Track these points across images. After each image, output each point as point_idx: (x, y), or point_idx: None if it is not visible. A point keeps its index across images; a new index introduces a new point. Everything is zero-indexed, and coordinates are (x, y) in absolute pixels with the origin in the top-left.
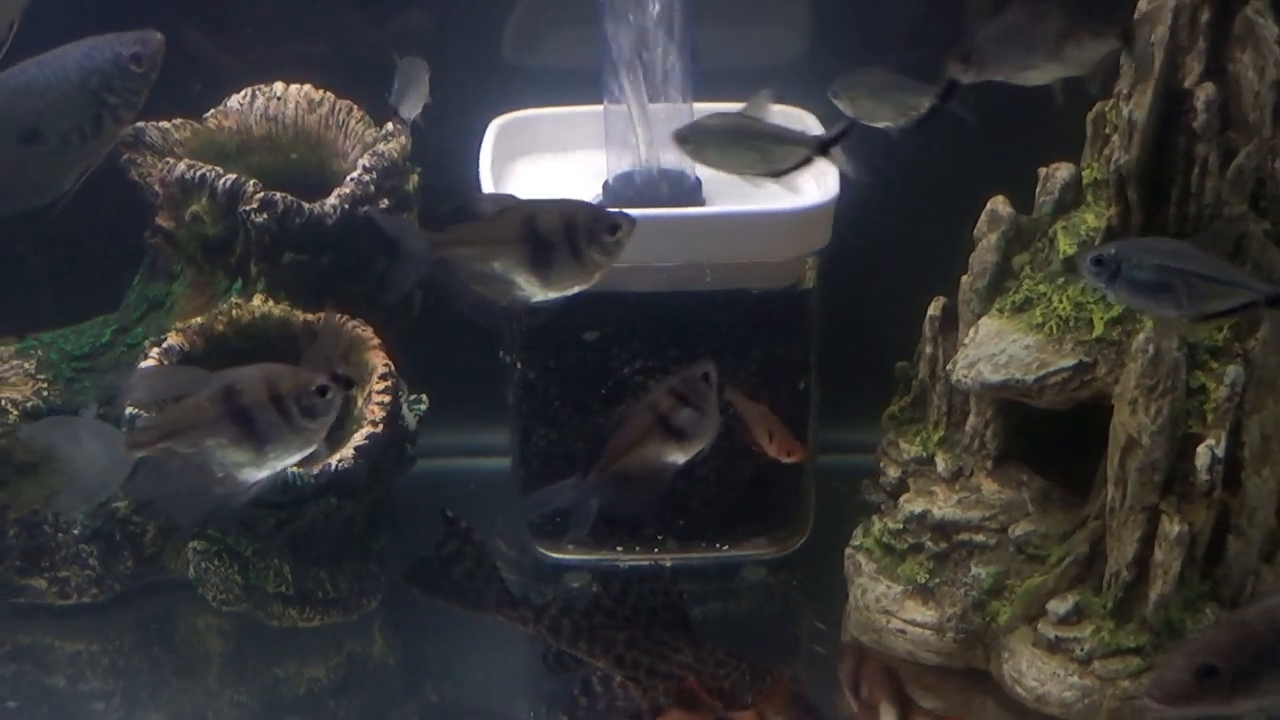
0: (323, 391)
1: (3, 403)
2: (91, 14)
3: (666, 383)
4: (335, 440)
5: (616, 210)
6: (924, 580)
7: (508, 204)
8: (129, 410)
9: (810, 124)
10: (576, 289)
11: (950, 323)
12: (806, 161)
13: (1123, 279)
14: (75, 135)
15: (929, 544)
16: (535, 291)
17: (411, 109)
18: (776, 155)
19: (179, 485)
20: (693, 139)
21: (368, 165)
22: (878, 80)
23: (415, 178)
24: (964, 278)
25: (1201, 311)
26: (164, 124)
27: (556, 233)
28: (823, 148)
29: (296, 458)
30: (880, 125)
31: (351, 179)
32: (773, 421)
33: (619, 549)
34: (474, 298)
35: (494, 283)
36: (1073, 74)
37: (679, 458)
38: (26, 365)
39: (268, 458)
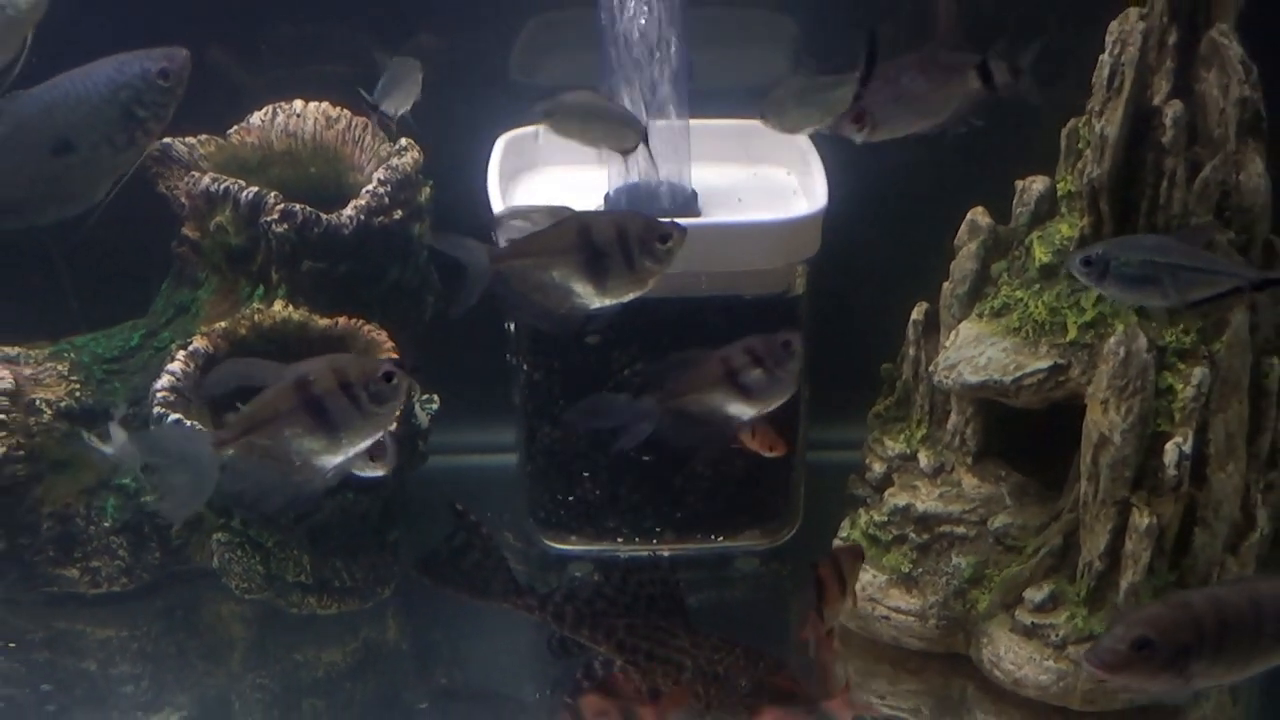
0: (389, 377)
1: (37, 402)
2: (125, 35)
3: (747, 340)
4: None
5: (668, 220)
6: (908, 570)
7: (564, 215)
8: (157, 410)
9: (803, 143)
10: (631, 296)
11: (932, 327)
12: None
13: (1112, 276)
14: (106, 147)
15: (912, 535)
16: (592, 299)
17: (397, 105)
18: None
19: (262, 477)
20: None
21: (382, 178)
22: (797, 88)
23: (427, 190)
24: (945, 284)
25: (1188, 299)
26: (190, 139)
27: (610, 242)
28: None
29: (368, 442)
30: (814, 129)
31: (367, 191)
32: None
33: (619, 540)
34: (535, 307)
35: (552, 291)
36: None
37: (741, 413)
38: (60, 367)
39: (341, 444)
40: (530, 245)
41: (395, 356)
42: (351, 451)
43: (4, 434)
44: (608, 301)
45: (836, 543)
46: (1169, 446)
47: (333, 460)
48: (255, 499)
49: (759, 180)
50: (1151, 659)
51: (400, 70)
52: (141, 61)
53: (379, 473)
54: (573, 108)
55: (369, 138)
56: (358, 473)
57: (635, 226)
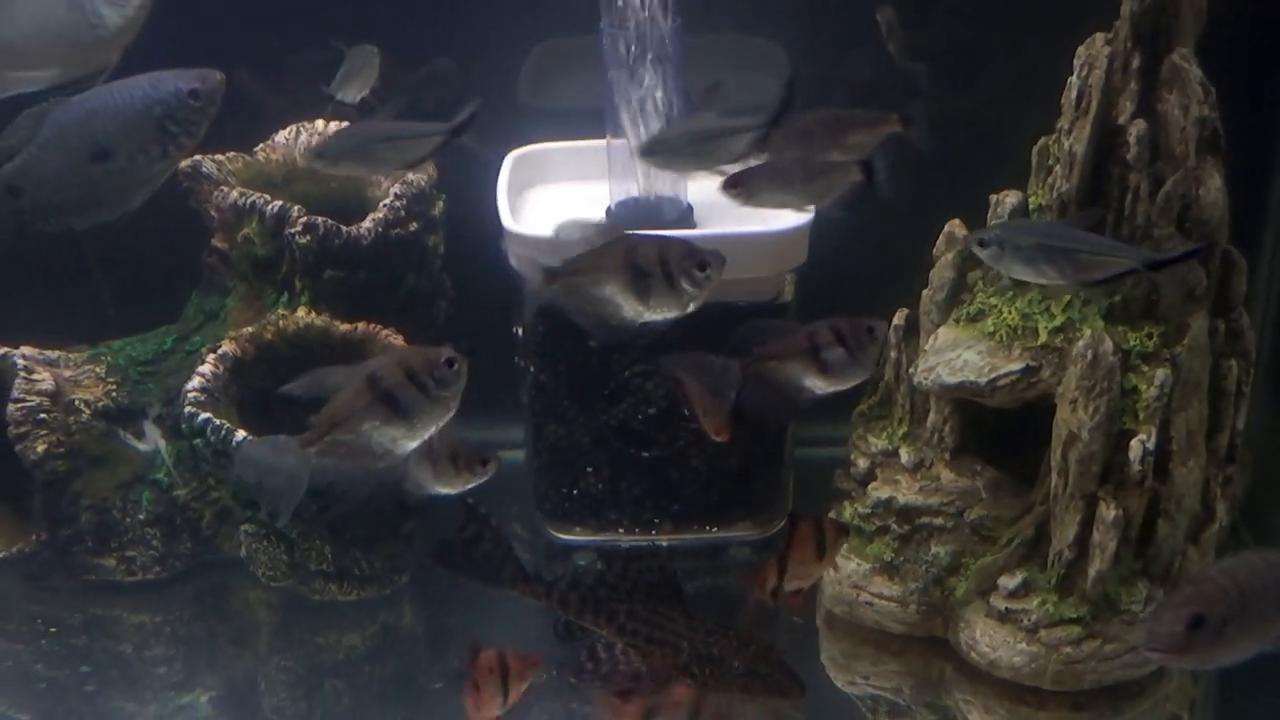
0: (450, 363)
1: (76, 402)
2: (163, 57)
3: (833, 319)
4: None
5: (710, 250)
6: (890, 558)
7: (618, 235)
8: (188, 409)
9: None
10: (675, 314)
11: (912, 331)
12: None
13: (1008, 256)
14: (140, 157)
15: (894, 526)
16: (639, 314)
17: (355, 92)
18: None
19: (346, 470)
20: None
21: (398, 192)
22: (692, 129)
23: (440, 203)
24: (924, 291)
25: (1084, 280)
26: (219, 157)
27: (653, 264)
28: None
29: (442, 423)
30: (706, 172)
31: (384, 205)
32: (711, 403)
33: (620, 531)
34: (590, 318)
35: (603, 306)
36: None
37: (815, 388)
38: (97, 369)
39: (417, 429)
40: (585, 262)
41: (459, 345)
42: (427, 434)
43: (45, 432)
44: (654, 317)
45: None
46: (1134, 443)
47: (411, 445)
48: (343, 491)
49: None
50: (1205, 633)
51: (358, 59)
52: (176, 80)
53: (482, 479)
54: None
55: None
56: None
57: (674, 252)
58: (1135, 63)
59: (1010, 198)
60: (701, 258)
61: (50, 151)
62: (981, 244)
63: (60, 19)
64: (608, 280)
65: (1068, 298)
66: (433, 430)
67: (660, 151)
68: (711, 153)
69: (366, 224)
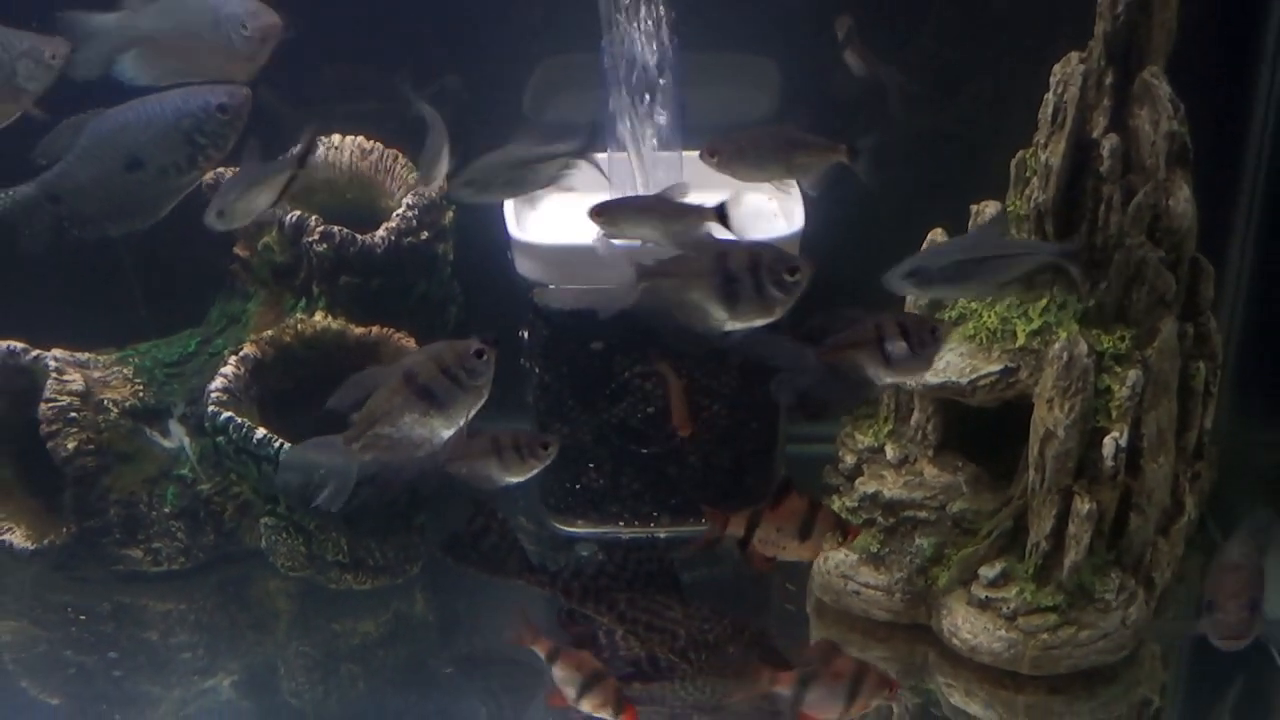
0: (479, 354)
1: (105, 402)
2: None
3: (900, 315)
4: None
5: (799, 256)
6: (876, 549)
7: (706, 241)
8: (211, 408)
9: (794, 191)
10: (760, 322)
11: None
12: None
13: (935, 283)
14: (171, 168)
15: (880, 519)
16: (724, 320)
17: (435, 177)
18: None
19: (390, 460)
20: None
21: (410, 203)
22: (508, 159)
23: (450, 213)
24: (909, 297)
25: (1007, 280)
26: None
27: (743, 270)
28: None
29: (475, 409)
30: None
31: (397, 215)
32: (682, 399)
33: (620, 524)
34: (675, 325)
35: (691, 311)
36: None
37: (877, 378)
38: (125, 371)
39: (452, 417)
40: (674, 266)
41: (486, 337)
42: (463, 421)
43: (76, 430)
44: (740, 325)
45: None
46: (1107, 440)
47: (448, 432)
48: (388, 480)
49: (744, 204)
50: (1257, 615)
51: (435, 141)
52: (206, 95)
53: (546, 462)
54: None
55: (399, 168)
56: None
57: (768, 257)
58: (1108, 80)
59: (990, 208)
60: (791, 262)
61: (87, 160)
62: (907, 276)
63: (206, 32)
64: (696, 285)
65: (1044, 302)
66: (468, 417)
67: (473, 184)
68: (524, 180)
69: (380, 233)
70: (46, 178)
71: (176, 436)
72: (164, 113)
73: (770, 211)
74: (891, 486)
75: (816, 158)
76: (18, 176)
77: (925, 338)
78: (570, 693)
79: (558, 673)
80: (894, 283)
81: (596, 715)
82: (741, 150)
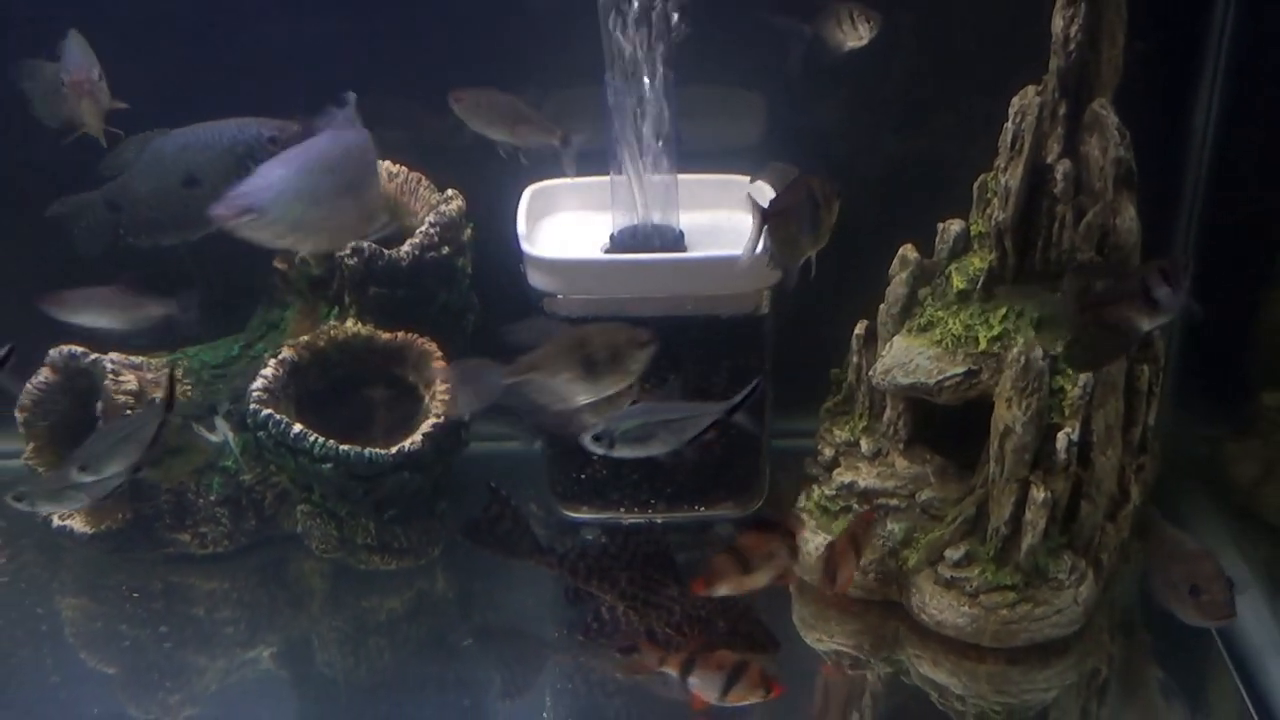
0: (644, 345)
1: (156, 401)
2: (234, 108)
3: (1157, 262)
4: (407, 430)
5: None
6: None
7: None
8: (252, 406)
9: (769, 193)
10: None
11: (871, 339)
12: None
13: (619, 443)
14: (224, 187)
15: (855, 506)
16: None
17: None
18: None
19: (532, 402)
20: None
21: (433, 221)
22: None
23: (469, 230)
24: (881, 305)
25: (684, 439)
26: None
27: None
28: None
29: (614, 390)
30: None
31: (420, 232)
32: None
33: (621, 510)
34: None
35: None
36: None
37: (1142, 325)
38: (175, 373)
39: (597, 388)
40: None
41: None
42: (600, 396)
43: None
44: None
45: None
46: (1060, 435)
47: (584, 400)
48: (524, 417)
49: (733, 223)
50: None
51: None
52: (259, 126)
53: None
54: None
55: (422, 189)
56: None
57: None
58: (1062, 111)
59: (954, 225)
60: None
61: (148, 174)
62: (594, 439)
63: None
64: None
65: (1004, 311)
66: (610, 393)
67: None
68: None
69: (405, 248)
70: (109, 187)
71: (221, 432)
72: (221, 138)
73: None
74: (866, 477)
75: (535, 133)
76: (85, 187)
77: (1180, 276)
78: (713, 694)
79: (698, 679)
80: (585, 443)
81: (746, 703)
82: (479, 105)
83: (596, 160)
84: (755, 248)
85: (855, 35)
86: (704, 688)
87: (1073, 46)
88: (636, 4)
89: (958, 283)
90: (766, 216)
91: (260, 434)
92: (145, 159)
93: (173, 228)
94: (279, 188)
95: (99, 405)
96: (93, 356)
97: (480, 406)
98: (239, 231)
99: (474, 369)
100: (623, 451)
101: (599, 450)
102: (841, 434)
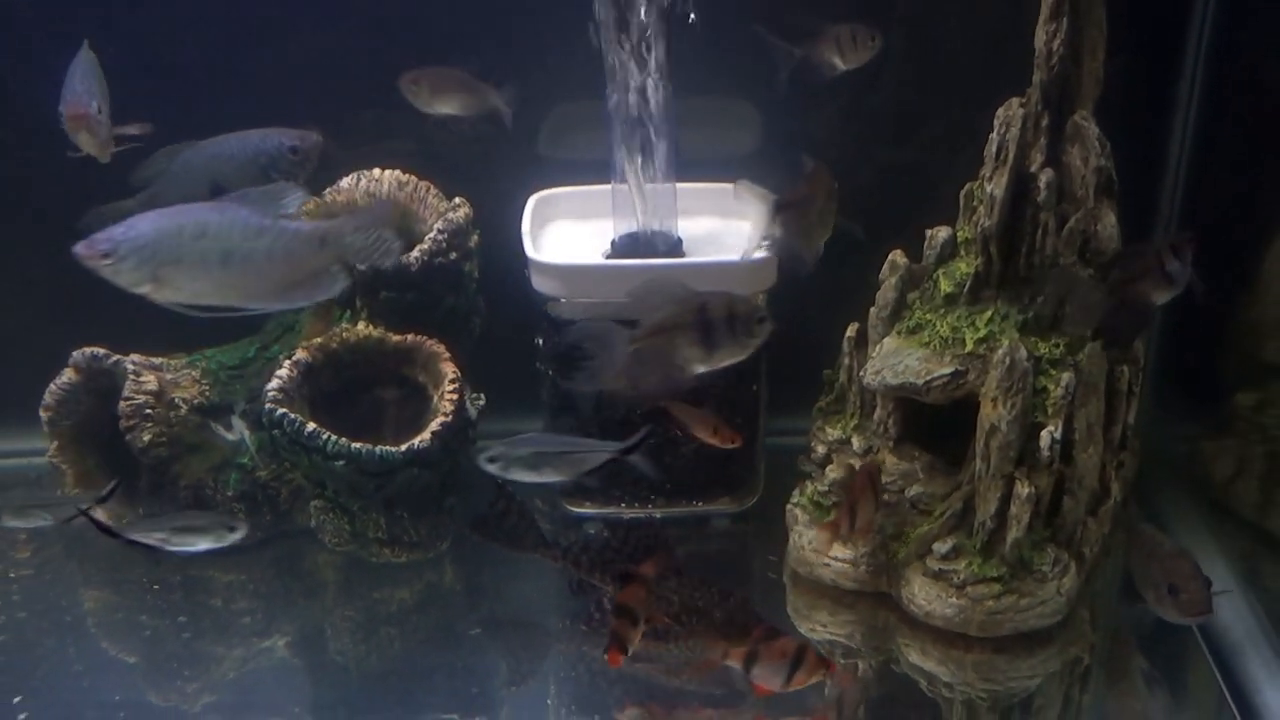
0: (762, 320)
1: (176, 400)
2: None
3: (1167, 239)
4: (417, 429)
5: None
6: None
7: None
8: (268, 406)
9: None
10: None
11: (862, 341)
12: None
13: (513, 467)
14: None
15: None
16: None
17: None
18: None
19: (652, 368)
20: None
21: (441, 228)
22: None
23: (476, 237)
24: (872, 309)
25: (583, 470)
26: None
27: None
28: None
29: (731, 362)
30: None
31: (429, 238)
32: (713, 421)
33: (622, 505)
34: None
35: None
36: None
37: (1160, 299)
38: (194, 373)
39: (714, 358)
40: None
41: (763, 311)
42: (717, 366)
43: (151, 424)
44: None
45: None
46: (1043, 433)
47: (701, 368)
48: (642, 385)
49: (729, 229)
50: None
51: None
52: (281, 137)
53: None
54: None
55: (430, 197)
56: None
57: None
58: (1044, 122)
59: (942, 232)
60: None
61: (178, 182)
62: (489, 460)
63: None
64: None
65: (989, 313)
66: (724, 364)
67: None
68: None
69: (414, 254)
70: (141, 196)
71: (238, 430)
72: (245, 148)
73: (747, 235)
74: None
75: (481, 103)
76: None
77: (1186, 252)
78: (778, 681)
79: (762, 670)
80: (480, 462)
81: (809, 684)
82: (426, 82)
83: (599, 169)
84: (764, 241)
85: (855, 57)
86: (768, 677)
87: (1055, 60)
88: (634, 19)
89: (945, 287)
90: (781, 208)
91: (275, 432)
92: (175, 169)
93: None
94: (139, 241)
95: (120, 405)
96: (114, 358)
97: (611, 372)
98: (99, 272)
99: (602, 332)
100: (516, 475)
101: (492, 470)
102: (834, 432)
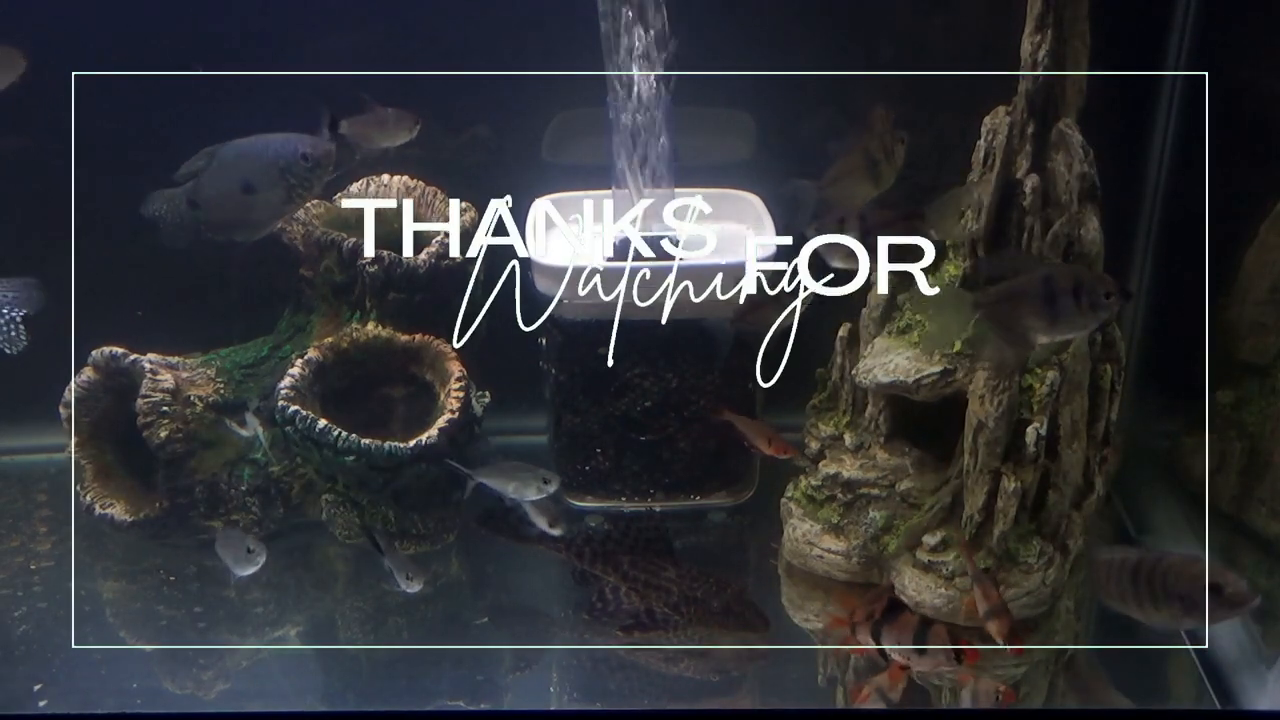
0: (1108, 295)
1: (192, 398)
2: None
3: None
4: (424, 425)
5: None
6: (836, 521)
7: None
8: (280, 403)
9: (758, 205)
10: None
11: (854, 341)
12: None
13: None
14: (273, 195)
15: (839, 496)
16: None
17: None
18: None
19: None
20: None
21: (448, 232)
22: None
23: (481, 240)
24: (864, 310)
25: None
26: (307, 203)
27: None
28: None
29: (1073, 335)
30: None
31: (436, 241)
32: (769, 432)
33: (623, 499)
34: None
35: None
36: None
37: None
38: (209, 372)
39: (1056, 330)
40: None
41: (1127, 287)
42: (1059, 338)
43: (167, 421)
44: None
45: None
46: (1029, 430)
47: (1043, 341)
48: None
49: (725, 233)
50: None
51: None
52: (297, 142)
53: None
54: None
55: (437, 202)
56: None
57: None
58: (1030, 129)
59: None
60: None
61: (216, 179)
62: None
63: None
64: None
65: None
66: (1066, 337)
67: None
68: None
69: (422, 257)
70: (187, 188)
71: (251, 426)
72: (268, 151)
73: (745, 236)
74: (849, 468)
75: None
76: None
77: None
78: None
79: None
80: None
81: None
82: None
83: (600, 175)
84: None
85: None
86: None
87: (1040, 71)
88: (636, 32)
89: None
90: (823, 188)
91: (288, 429)
92: (214, 166)
93: (240, 227)
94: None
95: (138, 403)
96: (132, 357)
97: (958, 335)
98: None
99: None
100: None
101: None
102: (826, 429)
